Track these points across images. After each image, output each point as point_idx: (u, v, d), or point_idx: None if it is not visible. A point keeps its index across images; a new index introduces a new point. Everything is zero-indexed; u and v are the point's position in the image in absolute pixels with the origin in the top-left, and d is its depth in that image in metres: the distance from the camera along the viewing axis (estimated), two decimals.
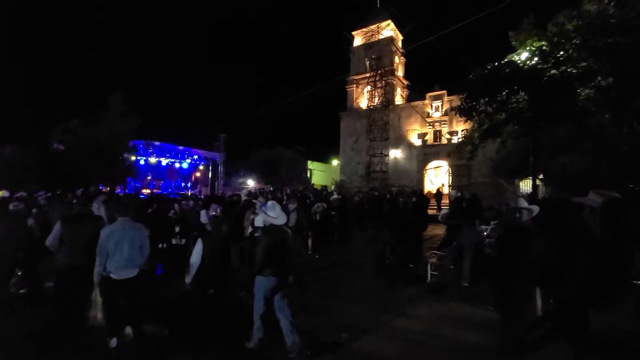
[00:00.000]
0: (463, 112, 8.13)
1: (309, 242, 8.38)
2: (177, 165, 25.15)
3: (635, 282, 1.61)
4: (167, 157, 23.93)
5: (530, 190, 16.25)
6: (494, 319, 4.11)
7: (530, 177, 16.98)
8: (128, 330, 3.54)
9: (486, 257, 6.22)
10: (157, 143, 22.94)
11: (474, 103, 7.71)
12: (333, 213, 9.30)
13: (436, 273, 5.98)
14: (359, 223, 10.91)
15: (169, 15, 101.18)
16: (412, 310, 4.60)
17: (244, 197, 10.25)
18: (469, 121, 9.08)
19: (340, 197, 11.49)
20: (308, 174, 31.64)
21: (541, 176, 16.41)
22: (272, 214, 3.61)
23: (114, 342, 3.36)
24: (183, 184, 26.45)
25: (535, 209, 3.63)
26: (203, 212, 7.31)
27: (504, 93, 7.07)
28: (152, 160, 22.87)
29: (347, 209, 10.41)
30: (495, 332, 3.55)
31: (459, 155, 19.90)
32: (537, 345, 3.40)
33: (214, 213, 7.55)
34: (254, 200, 8.24)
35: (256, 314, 3.44)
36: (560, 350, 2.93)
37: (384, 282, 5.93)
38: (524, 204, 3.59)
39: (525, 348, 3.28)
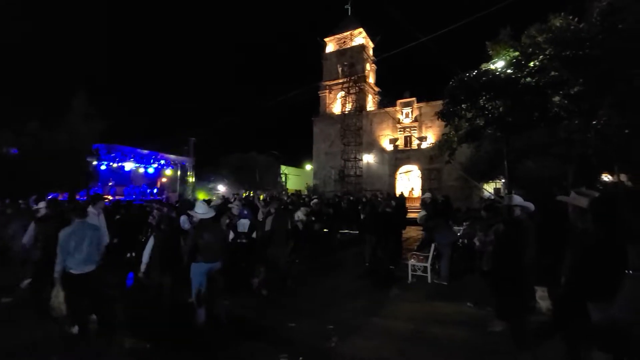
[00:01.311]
0: (444, 116, 8.46)
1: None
2: (141, 170, 23.80)
3: (628, 272, 1.70)
4: (131, 162, 22.55)
5: (498, 192, 17.34)
6: (477, 315, 4.26)
7: (496, 180, 18.18)
8: (92, 317, 3.86)
9: (473, 253, 6.50)
10: (120, 147, 21.58)
11: (455, 108, 8.06)
12: (313, 218, 9.16)
13: (417, 273, 6.08)
14: (341, 227, 10.92)
15: (137, 14, 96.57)
16: (399, 311, 4.65)
17: (218, 203, 9.86)
18: (438, 127, 9.51)
19: (320, 201, 11.40)
20: (283, 179, 31.27)
21: (503, 180, 17.56)
22: (200, 211, 4.24)
23: (76, 329, 3.76)
24: (148, 190, 25.08)
25: (531, 206, 3.81)
26: (184, 218, 6.92)
27: (484, 99, 7.46)
28: (115, 165, 21.46)
29: (330, 214, 10.31)
30: (481, 328, 3.64)
31: (434, 159, 20.75)
32: (544, 337, 3.50)
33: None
34: (229, 205, 7.95)
35: (195, 296, 3.96)
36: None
37: (367, 285, 5.94)
38: (519, 200, 3.76)
39: (534, 341, 3.35)
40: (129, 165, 22.50)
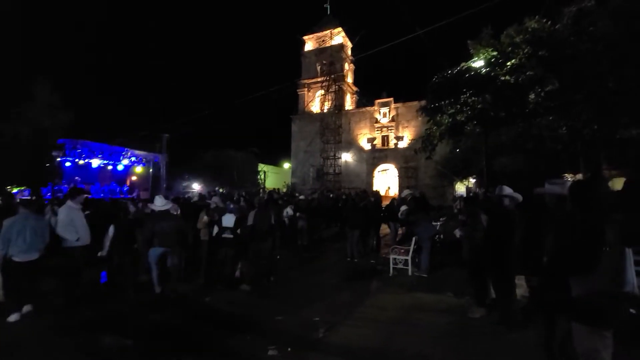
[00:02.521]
0: (427, 111, 8.74)
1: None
2: (110, 167, 22.59)
3: (605, 248, 1.85)
4: (99, 158, 21.31)
5: (469, 190, 18.15)
6: (457, 304, 4.44)
7: (469, 178, 19.05)
8: (28, 307, 3.98)
9: (449, 246, 6.76)
10: (86, 142, 20.33)
11: (438, 103, 8.35)
12: (298, 214, 9.13)
13: (398, 266, 6.23)
14: (325, 223, 10.96)
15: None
16: (382, 301, 4.75)
17: (194, 200, 9.58)
18: (414, 127, 9.84)
19: (305, 198, 11.38)
20: (261, 177, 30.86)
21: (474, 179, 18.43)
22: (158, 203, 5.11)
23: (13, 317, 3.81)
24: (118, 188, 23.87)
25: (519, 197, 3.99)
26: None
27: (467, 95, 7.79)
28: (81, 161, 20.20)
29: (315, 209, 10.31)
30: (463, 316, 3.82)
31: (411, 158, 21.29)
32: (523, 320, 3.66)
33: (175, 213, 6.95)
34: (208, 201, 7.73)
35: (153, 274, 4.81)
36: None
37: (350, 278, 6.01)
38: (509, 191, 3.94)
39: (519, 321, 3.57)
40: (96, 162, 21.27)
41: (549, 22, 7.60)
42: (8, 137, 14.48)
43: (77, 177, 21.19)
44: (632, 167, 7.87)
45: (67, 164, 19.50)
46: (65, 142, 18.27)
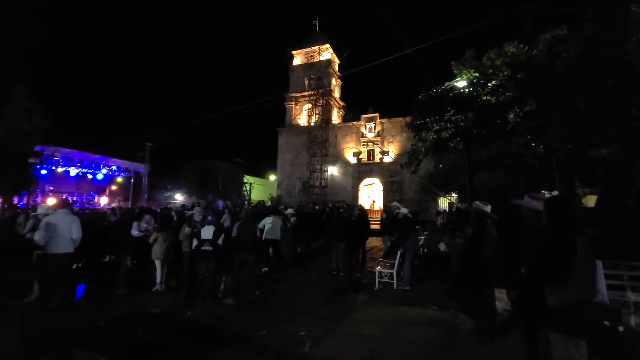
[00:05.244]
0: (414, 127, 9.07)
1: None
2: (89, 176, 21.85)
3: (577, 260, 1.97)
4: (77, 167, 20.56)
5: (452, 205, 18.60)
6: (442, 317, 4.49)
7: (450, 194, 19.55)
8: None
9: (432, 260, 6.84)
10: (65, 149, 19.61)
11: (424, 120, 8.67)
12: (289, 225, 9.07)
13: (383, 280, 6.26)
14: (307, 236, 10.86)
15: (98, 7, 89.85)
16: (368, 315, 4.75)
17: (179, 211, 9.36)
18: (399, 142, 10.13)
19: (294, 211, 11.31)
20: (247, 188, 30.51)
21: (456, 194, 18.94)
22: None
23: None
24: (96, 198, 23.04)
25: (485, 210, 4.12)
26: (135, 224, 6.48)
27: (451, 112, 8.15)
28: (59, 169, 19.45)
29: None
30: (447, 328, 3.85)
31: (396, 172, 21.64)
32: (505, 331, 3.76)
33: (145, 225, 6.75)
34: (191, 211, 7.57)
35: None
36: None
37: (336, 292, 5.98)
38: (488, 208, 4.07)
39: (496, 335, 3.63)
40: (74, 171, 20.53)
41: (526, 48, 8.14)
42: None
43: (49, 186, 20.35)
44: (602, 185, 8.35)
45: (43, 171, 18.72)
46: (42, 148, 17.59)
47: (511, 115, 7.44)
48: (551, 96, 6.77)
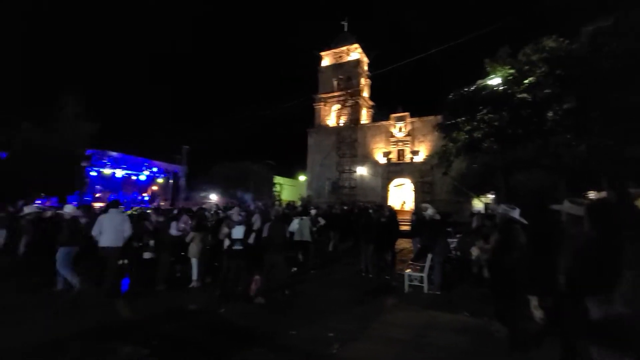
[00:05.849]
0: (444, 128, 8.78)
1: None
2: (133, 177, 23.55)
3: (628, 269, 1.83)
4: (123, 169, 22.31)
5: (488, 206, 17.72)
6: (474, 324, 4.33)
7: (486, 195, 18.63)
8: None
9: (465, 264, 6.59)
10: (113, 153, 21.37)
11: (454, 120, 8.37)
12: (315, 228, 9.17)
13: (413, 283, 6.14)
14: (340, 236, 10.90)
15: (137, 12, 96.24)
16: (397, 319, 4.68)
17: (213, 211, 9.79)
18: (430, 142, 9.85)
19: (316, 212, 11.41)
20: (278, 189, 31.21)
21: (492, 195, 18.00)
22: (67, 210, 5.87)
23: None
24: (139, 198, 24.73)
25: (513, 214, 3.93)
26: (173, 224, 6.88)
27: (484, 112, 7.82)
28: (107, 171, 21.19)
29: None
30: (480, 335, 3.71)
31: (427, 172, 21.07)
32: (540, 340, 3.58)
33: (183, 225, 7.14)
34: (228, 212, 7.90)
35: (68, 272, 5.27)
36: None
37: (365, 294, 5.94)
38: (516, 213, 3.90)
39: (531, 343, 3.43)
40: (120, 172, 22.27)
41: (566, 42, 7.65)
42: (36, 146, 15.30)
43: (99, 186, 22.19)
44: None
45: (93, 173, 20.52)
46: (93, 152, 19.30)
47: (550, 114, 6.94)
48: (592, 94, 6.23)
